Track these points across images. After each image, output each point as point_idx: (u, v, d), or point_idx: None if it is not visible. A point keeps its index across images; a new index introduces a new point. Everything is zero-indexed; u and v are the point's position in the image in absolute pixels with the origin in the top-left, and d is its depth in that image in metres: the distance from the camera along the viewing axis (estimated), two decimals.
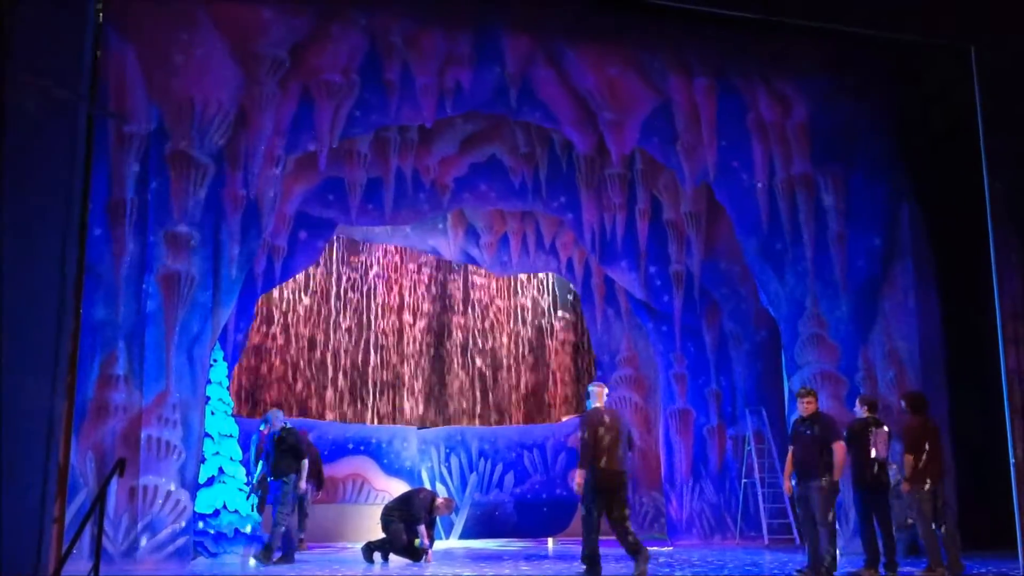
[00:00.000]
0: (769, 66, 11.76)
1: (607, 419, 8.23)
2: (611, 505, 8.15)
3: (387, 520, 10.55)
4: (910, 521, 10.22)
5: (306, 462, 10.18)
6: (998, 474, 10.19)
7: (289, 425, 10.42)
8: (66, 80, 8.09)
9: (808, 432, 8.61)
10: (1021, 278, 10.36)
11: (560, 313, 18.32)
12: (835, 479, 8.51)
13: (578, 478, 8.13)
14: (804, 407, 8.75)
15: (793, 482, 8.68)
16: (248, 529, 10.90)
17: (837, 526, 11.11)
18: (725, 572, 9.39)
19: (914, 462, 8.93)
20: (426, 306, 17.68)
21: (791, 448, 8.80)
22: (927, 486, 8.93)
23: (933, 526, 8.96)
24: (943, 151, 11.63)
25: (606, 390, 8.60)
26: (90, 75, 8.50)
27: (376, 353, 17.08)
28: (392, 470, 14.88)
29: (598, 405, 8.39)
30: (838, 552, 8.63)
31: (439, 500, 10.84)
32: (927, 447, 8.98)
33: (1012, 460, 10.03)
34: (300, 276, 16.23)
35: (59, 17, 8.12)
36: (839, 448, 8.53)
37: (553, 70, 11.67)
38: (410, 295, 17.60)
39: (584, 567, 8.19)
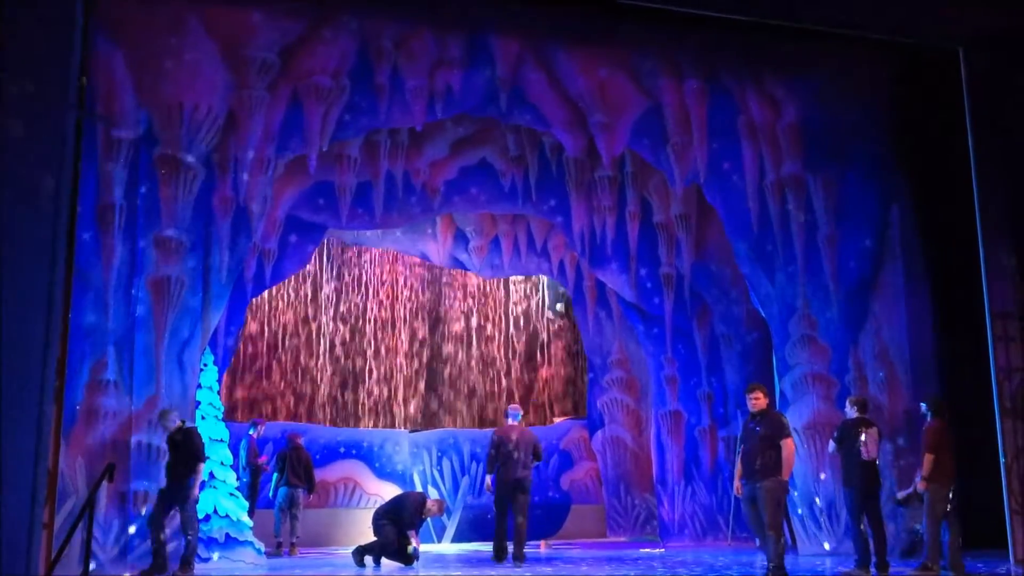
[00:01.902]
0: (759, 68, 11.78)
1: (510, 436, 10.38)
2: (513, 506, 10.34)
3: (378, 524, 10.53)
4: (917, 527, 10.30)
5: (201, 465, 9.50)
6: (989, 474, 10.25)
7: (187, 425, 9.77)
8: (54, 85, 8.07)
9: (757, 429, 8.37)
10: (1010, 277, 10.45)
11: (552, 315, 18.32)
12: (784, 478, 8.28)
13: (488, 483, 10.58)
14: (752, 403, 8.49)
15: (742, 482, 8.43)
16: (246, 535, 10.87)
17: (830, 525, 11.22)
18: (717, 573, 9.40)
19: (934, 462, 9.02)
20: (419, 308, 17.66)
21: (742, 448, 8.54)
22: (944, 486, 9.03)
23: (944, 526, 9.07)
24: (934, 152, 11.68)
25: (512, 411, 10.84)
26: (78, 80, 8.47)
27: (367, 355, 17.05)
28: (384, 474, 14.84)
29: (511, 423, 10.63)
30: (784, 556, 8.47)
31: (430, 502, 10.81)
32: (945, 448, 9.10)
33: (1002, 459, 10.10)
34: (290, 279, 16.20)
35: (47, 22, 8.09)
36: (787, 445, 8.28)
37: (543, 73, 11.67)
38: (402, 297, 17.57)
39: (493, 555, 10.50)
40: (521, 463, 10.33)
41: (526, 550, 10.67)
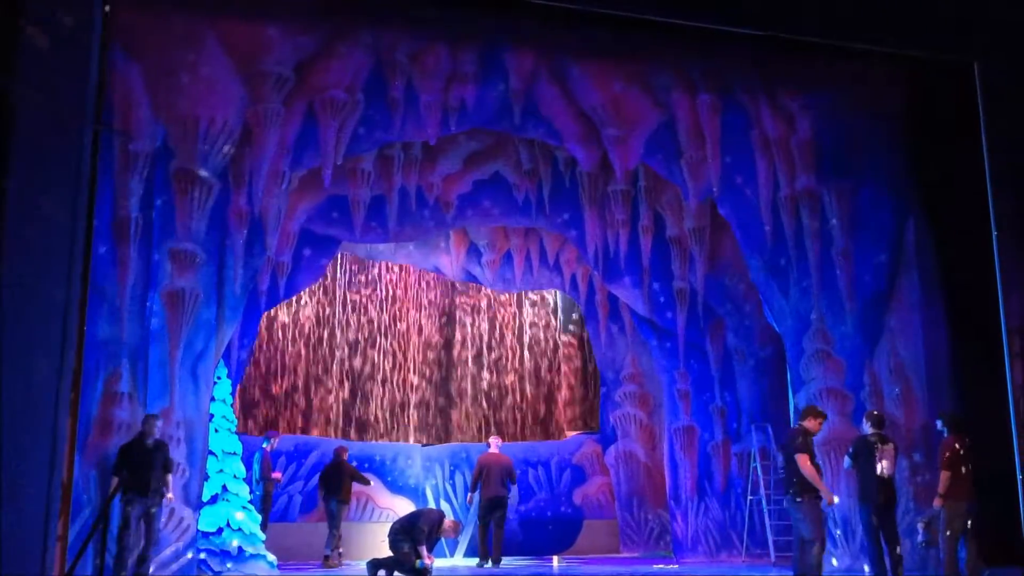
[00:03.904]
0: (773, 82, 11.76)
1: (488, 461, 12.67)
2: (493, 520, 12.53)
3: (394, 539, 10.50)
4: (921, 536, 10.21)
5: (169, 477, 9.33)
6: (1006, 491, 10.15)
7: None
8: (71, 99, 8.12)
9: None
10: None
11: (565, 330, 18.30)
12: None
13: (469, 498, 13.11)
14: (820, 427, 9.00)
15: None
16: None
17: (845, 542, 11.14)
18: None
19: (950, 479, 8.96)
20: (431, 322, 17.67)
21: (812, 460, 8.78)
22: (962, 503, 8.96)
23: (962, 543, 9.01)
24: (949, 165, 11.61)
25: (494, 440, 13.23)
26: (96, 94, 8.53)
27: (380, 369, 17.05)
28: (396, 488, 14.82)
29: (491, 451, 12.90)
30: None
31: (447, 522, 10.78)
32: (963, 465, 9.04)
33: (1020, 476, 10.00)
34: (303, 293, 16.23)
35: (64, 37, 8.15)
36: None
37: (557, 87, 11.68)
38: (415, 311, 17.59)
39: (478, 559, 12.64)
40: (499, 484, 12.56)
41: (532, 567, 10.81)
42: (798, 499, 8.55)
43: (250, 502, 11.31)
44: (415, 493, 14.83)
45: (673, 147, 12.04)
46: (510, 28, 11.13)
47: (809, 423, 8.88)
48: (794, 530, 8.86)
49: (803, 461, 8.55)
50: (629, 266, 14.09)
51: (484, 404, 17.61)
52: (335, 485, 12.55)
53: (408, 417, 17.07)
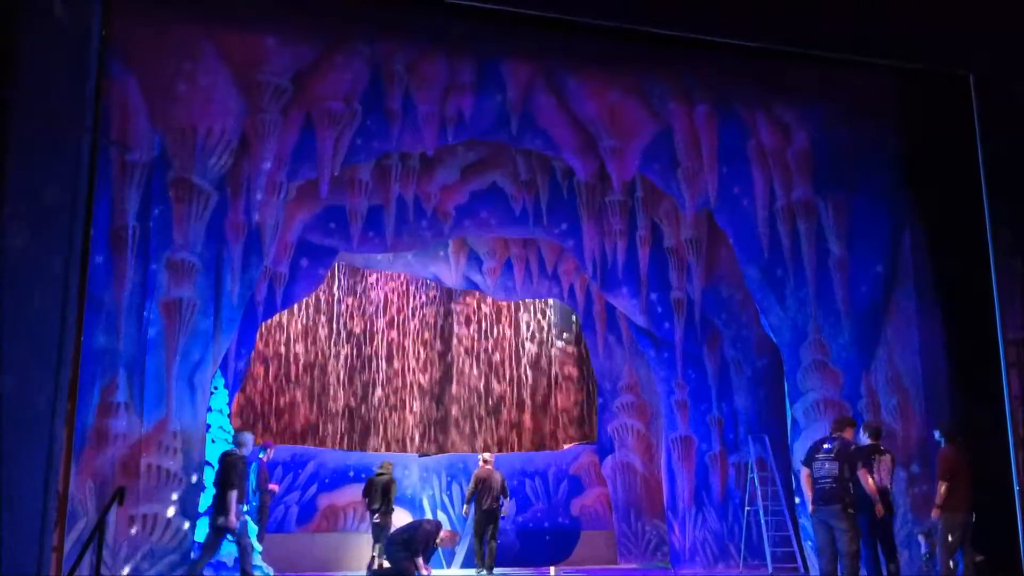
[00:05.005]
0: (769, 93, 11.78)
1: (484, 476, 12.85)
2: (488, 531, 12.71)
3: (392, 550, 10.48)
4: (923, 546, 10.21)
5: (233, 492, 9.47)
6: (1003, 502, 10.13)
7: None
8: (69, 109, 8.12)
9: None
10: (1022, 304, 10.35)
11: (562, 339, 18.29)
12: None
13: (465, 509, 13.20)
14: None
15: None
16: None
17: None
18: None
19: (948, 490, 8.96)
20: (428, 332, 17.66)
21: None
22: (960, 515, 8.96)
23: (959, 555, 9.01)
24: (945, 176, 11.62)
25: (488, 456, 13.24)
26: (93, 104, 8.53)
27: (377, 379, 17.03)
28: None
29: (485, 467, 13.01)
30: None
31: (444, 532, 10.77)
32: (961, 476, 9.04)
33: (1016, 488, 9.98)
34: (301, 303, 16.22)
35: (62, 47, 8.16)
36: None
37: (554, 97, 11.72)
38: (412, 320, 17.57)
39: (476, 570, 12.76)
40: (493, 498, 12.80)
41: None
42: (850, 510, 8.56)
43: (247, 512, 11.26)
44: (412, 504, 14.79)
45: (670, 158, 12.07)
46: (507, 39, 11.15)
47: (849, 434, 9.01)
48: (819, 539, 8.82)
49: (868, 478, 8.70)
50: (627, 276, 14.10)
51: (481, 414, 17.57)
52: (377, 497, 12.49)
53: (405, 427, 17.04)
